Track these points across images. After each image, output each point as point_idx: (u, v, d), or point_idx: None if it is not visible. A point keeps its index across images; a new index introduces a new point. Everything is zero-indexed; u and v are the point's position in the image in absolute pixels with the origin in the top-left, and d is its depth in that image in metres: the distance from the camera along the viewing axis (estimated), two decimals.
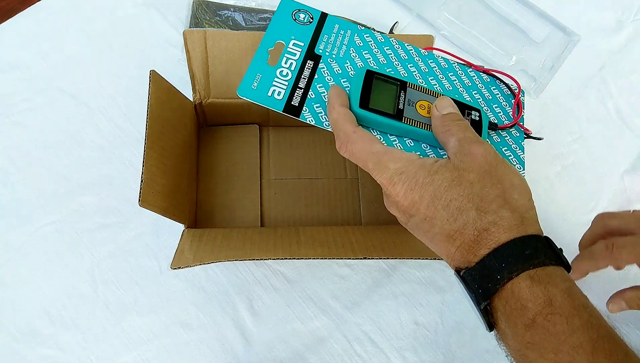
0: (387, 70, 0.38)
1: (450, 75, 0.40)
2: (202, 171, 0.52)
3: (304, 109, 0.36)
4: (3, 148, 0.52)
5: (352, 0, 0.61)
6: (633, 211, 0.42)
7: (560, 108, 0.57)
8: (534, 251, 0.27)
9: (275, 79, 0.36)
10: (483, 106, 0.39)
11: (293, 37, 0.39)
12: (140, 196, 0.36)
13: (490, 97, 0.40)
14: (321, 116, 0.36)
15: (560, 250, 0.29)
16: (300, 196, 0.52)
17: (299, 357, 0.46)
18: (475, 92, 0.40)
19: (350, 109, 0.34)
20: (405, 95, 0.35)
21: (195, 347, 0.46)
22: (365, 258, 0.41)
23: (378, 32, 0.41)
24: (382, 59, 0.39)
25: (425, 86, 0.37)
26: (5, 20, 0.57)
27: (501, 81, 0.41)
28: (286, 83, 0.36)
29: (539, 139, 0.41)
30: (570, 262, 0.30)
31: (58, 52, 0.56)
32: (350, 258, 0.44)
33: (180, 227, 0.44)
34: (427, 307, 0.48)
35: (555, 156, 0.55)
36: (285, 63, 0.37)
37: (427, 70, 0.39)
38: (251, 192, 0.51)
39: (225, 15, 0.59)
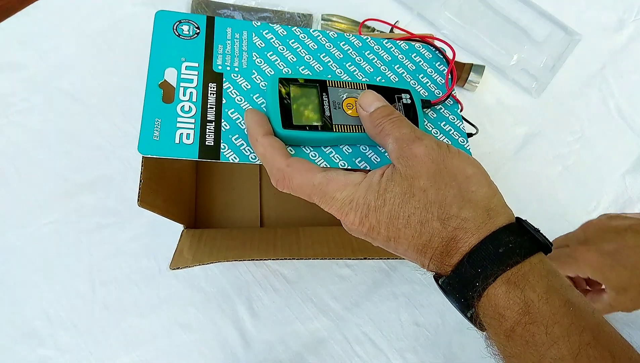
0: (300, 68, 0.34)
1: (367, 53, 0.36)
2: (202, 171, 0.52)
3: (221, 146, 0.30)
4: (2, 148, 0.51)
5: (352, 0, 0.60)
6: None
7: (562, 108, 0.57)
8: (507, 247, 0.25)
9: (179, 119, 0.30)
10: (409, 80, 0.36)
11: (183, 58, 0.33)
12: (139, 196, 0.35)
13: (414, 68, 0.37)
14: (244, 150, 0.31)
15: (537, 230, 0.27)
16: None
17: (298, 357, 0.45)
18: (398, 66, 0.37)
19: (273, 132, 0.30)
20: (328, 97, 0.31)
21: (194, 347, 0.45)
22: (365, 258, 0.41)
23: (277, 23, 0.36)
24: (290, 56, 0.34)
25: (347, 79, 0.33)
26: (4, 20, 0.57)
27: (434, 46, 0.38)
28: (192, 120, 0.31)
29: (473, 134, 0.37)
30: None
31: (57, 51, 0.56)
32: (350, 258, 0.44)
33: (180, 227, 0.44)
34: (427, 308, 0.48)
35: (556, 156, 0.55)
36: (184, 95, 0.31)
37: (341, 55, 0.36)
38: (251, 192, 0.51)
39: (225, 15, 0.59)
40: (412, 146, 0.28)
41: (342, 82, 0.32)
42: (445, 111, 0.36)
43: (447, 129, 0.35)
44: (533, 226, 0.27)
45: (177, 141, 0.30)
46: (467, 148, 0.34)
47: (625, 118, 0.57)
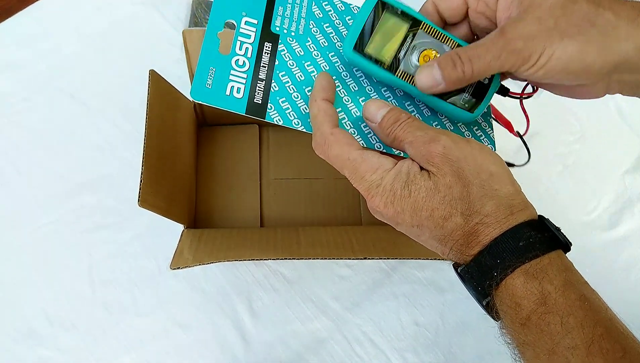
0: None
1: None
2: (202, 171, 0.52)
3: (268, 106, 0.31)
4: (2, 148, 0.51)
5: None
6: None
7: (562, 108, 0.57)
8: (528, 241, 0.26)
9: (232, 72, 0.31)
10: None
11: (244, 13, 0.33)
12: (139, 197, 0.35)
13: None
14: (289, 113, 0.31)
15: (557, 229, 0.28)
16: (300, 196, 0.52)
17: (299, 358, 0.45)
18: None
19: (343, 49, 0.30)
20: (412, 39, 0.30)
21: (194, 347, 0.45)
22: (365, 258, 0.41)
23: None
24: (345, 32, 0.35)
25: (442, 31, 0.32)
26: (4, 20, 0.57)
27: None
28: (245, 76, 0.32)
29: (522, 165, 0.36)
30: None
31: (57, 51, 0.56)
32: (350, 258, 0.44)
33: (180, 227, 0.44)
34: (427, 308, 0.47)
35: (556, 156, 0.55)
36: (240, 49, 0.32)
37: None
38: (251, 192, 0.51)
39: None
40: (430, 148, 0.28)
41: (436, 30, 0.31)
42: (478, 118, 0.35)
43: (478, 134, 0.35)
44: (554, 225, 0.28)
45: (227, 92, 0.31)
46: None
47: (625, 118, 0.57)
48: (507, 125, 0.36)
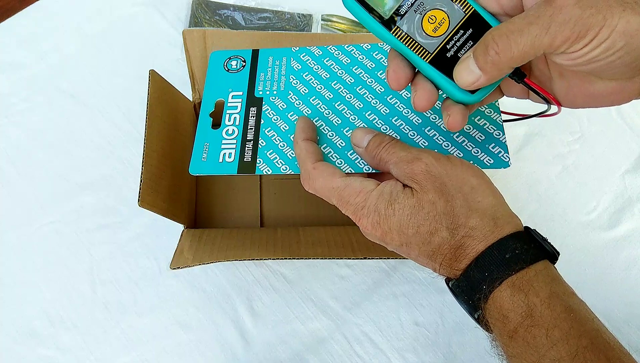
0: (332, 84, 0.37)
1: None
2: None
3: (257, 161, 0.34)
4: (2, 148, 0.52)
5: None
6: None
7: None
8: (513, 253, 0.26)
9: (223, 141, 0.35)
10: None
11: (230, 89, 0.37)
12: (139, 197, 0.35)
13: None
14: (276, 162, 0.34)
15: (544, 239, 0.28)
16: (300, 196, 0.52)
17: (299, 357, 0.45)
18: None
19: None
20: None
21: (194, 347, 0.45)
22: (365, 258, 0.41)
23: (315, 46, 0.39)
24: (324, 74, 0.37)
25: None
26: (4, 20, 0.57)
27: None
28: (234, 141, 0.35)
29: (544, 113, 0.30)
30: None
31: (57, 51, 0.56)
32: (350, 258, 0.44)
33: (180, 227, 0.44)
34: (427, 308, 0.48)
35: (556, 156, 0.55)
36: (229, 120, 0.36)
37: (374, 65, 0.38)
38: (251, 192, 0.51)
39: (225, 15, 0.59)
40: (413, 166, 0.29)
41: None
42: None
43: (481, 124, 0.34)
44: (541, 236, 0.28)
45: (220, 160, 0.35)
46: (504, 141, 0.33)
47: (625, 118, 0.57)
48: (549, 97, 0.29)
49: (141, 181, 0.36)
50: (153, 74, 0.41)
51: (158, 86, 0.41)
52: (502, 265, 0.26)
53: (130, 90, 0.54)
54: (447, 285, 0.30)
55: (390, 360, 0.46)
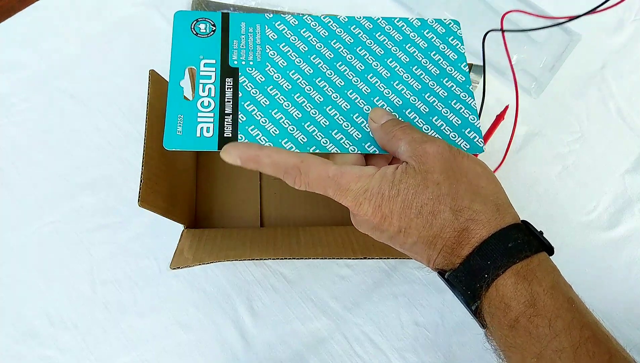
0: (311, 58, 0.36)
1: (378, 35, 0.37)
2: (202, 171, 0.52)
3: (239, 137, 0.33)
4: (2, 148, 0.51)
5: (353, 0, 0.61)
6: None
7: (561, 108, 0.57)
8: (516, 243, 0.27)
9: (199, 114, 0.33)
10: (421, 58, 0.36)
11: (201, 56, 0.35)
12: (139, 196, 0.35)
13: (426, 45, 0.37)
14: (260, 139, 0.33)
15: (541, 232, 0.28)
16: (300, 196, 0.52)
17: (299, 357, 0.45)
18: (409, 45, 0.37)
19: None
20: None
21: (194, 347, 0.45)
22: (365, 258, 0.41)
23: (288, 13, 0.37)
24: (302, 46, 0.36)
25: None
26: (4, 20, 0.57)
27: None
28: (212, 115, 0.33)
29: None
30: None
31: (57, 51, 0.56)
32: (350, 258, 0.44)
33: (180, 227, 0.44)
34: (427, 307, 0.48)
35: (555, 156, 0.55)
36: (204, 91, 0.33)
37: (352, 40, 0.37)
38: (251, 192, 0.51)
39: None
40: (425, 146, 0.29)
41: None
42: (455, 88, 0.36)
43: (457, 108, 0.35)
44: (537, 229, 0.29)
45: (198, 134, 0.32)
46: (478, 126, 0.35)
47: (625, 118, 0.57)
48: (498, 120, 0.37)
49: (141, 181, 0.36)
50: (153, 74, 0.41)
51: (158, 86, 0.41)
52: (505, 253, 0.26)
53: (130, 90, 0.54)
54: (442, 277, 0.29)
55: (390, 360, 0.46)
